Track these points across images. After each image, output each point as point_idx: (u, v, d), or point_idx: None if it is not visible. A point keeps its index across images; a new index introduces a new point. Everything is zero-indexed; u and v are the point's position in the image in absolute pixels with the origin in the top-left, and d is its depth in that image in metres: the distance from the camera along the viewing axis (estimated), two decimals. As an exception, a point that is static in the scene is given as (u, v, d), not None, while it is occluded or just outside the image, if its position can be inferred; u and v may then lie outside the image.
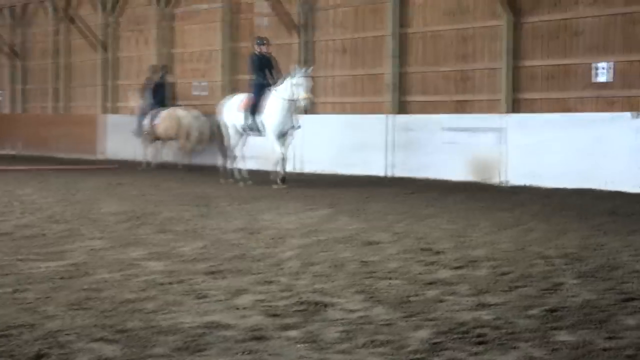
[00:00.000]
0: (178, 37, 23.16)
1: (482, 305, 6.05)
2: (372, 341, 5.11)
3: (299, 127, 15.88)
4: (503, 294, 6.44)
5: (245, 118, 16.02)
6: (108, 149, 24.66)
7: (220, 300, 6.22)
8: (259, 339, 5.19)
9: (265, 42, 16.22)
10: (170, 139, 21.01)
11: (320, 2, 19.34)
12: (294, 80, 15.10)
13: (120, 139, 24.14)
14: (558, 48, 15.27)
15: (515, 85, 15.93)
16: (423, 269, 7.47)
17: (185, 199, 13.45)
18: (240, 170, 16.87)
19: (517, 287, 6.71)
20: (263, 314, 5.81)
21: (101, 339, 5.13)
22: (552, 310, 5.86)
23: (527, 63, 15.77)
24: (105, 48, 25.02)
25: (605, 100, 14.70)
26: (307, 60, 19.41)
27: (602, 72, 14.68)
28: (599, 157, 14.12)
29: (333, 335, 5.27)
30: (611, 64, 14.59)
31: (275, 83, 15.75)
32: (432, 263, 7.75)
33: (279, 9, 19.42)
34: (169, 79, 22.14)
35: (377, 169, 17.50)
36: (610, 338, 5.18)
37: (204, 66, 22.47)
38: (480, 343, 5.07)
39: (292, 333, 5.32)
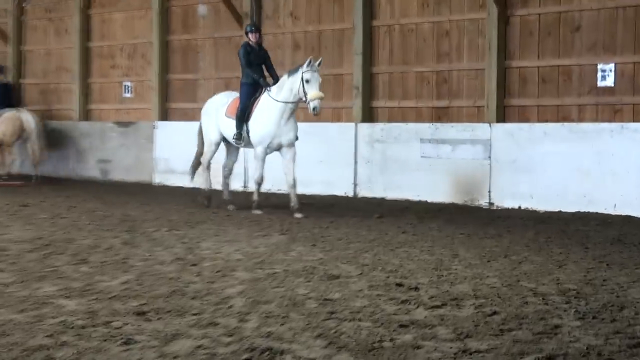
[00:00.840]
0: (96, 27, 23.04)
1: (465, 352, 6.11)
2: (335, 395, 5.13)
3: (296, 138, 15.03)
4: (490, 339, 6.49)
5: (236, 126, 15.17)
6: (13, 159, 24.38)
7: (151, 347, 6.19)
8: (199, 393, 5.18)
9: (254, 29, 15.33)
10: (9, 145, 21.43)
11: (271, -13, 19.46)
12: (302, 74, 14.17)
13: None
14: (554, 46, 15.47)
15: (504, 89, 16.09)
16: (395, 309, 7.50)
17: (105, 222, 13.34)
18: (210, 191, 16.20)
19: (507, 330, 6.77)
20: (203, 363, 5.80)
21: (5, 395, 5.08)
22: (548, 358, 5.94)
23: (517, 63, 15.96)
24: (6, 40, 24.79)
25: (609, 107, 14.91)
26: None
27: (606, 74, 14.91)
28: (603, 175, 14.30)
29: (288, 388, 5.28)
30: (616, 65, 14.80)
31: (272, 82, 15.07)
32: (406, 301, 7.79)
33: (220, -6, 19.48)
34: (9, 78, 23.09)
35: (340, 188, 17.55)
36: (617, 391, 5.26)
37: (128, 62, 22.39)
38: (464, 397, 5.13)
39: (239, 386, 5.32)
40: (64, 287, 8.35)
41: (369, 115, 17.76)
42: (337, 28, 18.31)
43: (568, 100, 15.34)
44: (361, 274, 9.17)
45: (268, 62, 15.31)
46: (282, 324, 6.91)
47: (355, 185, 17.45)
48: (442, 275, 9.10)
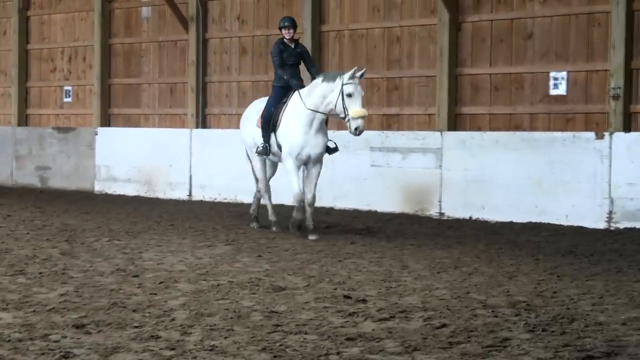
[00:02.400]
0: (35, 29, 22.84)
1: (413, 366, 6.15)
2: (280, 410, 5.15)
3: (335, 149, 13.74)
4: (439, 352, 6.55)
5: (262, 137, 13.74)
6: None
7: (90, 361, 6.17)
8: (139, 408, 5.17)
9: (288, 24, 13.73)
10: None
11: (217, -11, 19.44)
12: (343, 87, 12.75)
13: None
14: (506, 53, 15.62)
15: (455, 97, 16.21)
16: (342, 321, 7.53)
17: (44, 232, 13.23)
18: (271, 210, 14.56)
19: (455, 343, 6.83)
20: (144, 377, 5.78)
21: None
22: (497, 372, 6.01)
23: (469, 71, 16.09)
24: None
25: (561, 116, 15.07)
26: (201, 62, 19.41)
27: (558, 83, 15.07)
28: (555, 185, 14.44)
29: (231, 403, 5.29)
30: (569, 73, 14.98)
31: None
32: (354, 314, 7.81)
33: (166, -4, 19.41)
34: None
35: (288, 197, 17.51)
36: (566, 404, 5.34)
37: (69, 66, 22.21)
38: (411, 412, 5.17)
39: (181, 401, 5.32)
40: (-1, 299, 8.28)
41: (317, 122, 17.79)
42: (285, 33, 18.31)
43: (520, 108, 15.50)
44: (308, 285, 9.19)
45: (307, 62, 13.85)
46: (226, 337, 6.91)
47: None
48: (391, 287, 9.15)
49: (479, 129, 15.93)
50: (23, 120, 22.90)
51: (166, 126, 20.21)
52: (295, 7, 18.09)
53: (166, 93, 20.35)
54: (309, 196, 13.38)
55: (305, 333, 7.08)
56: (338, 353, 6.48)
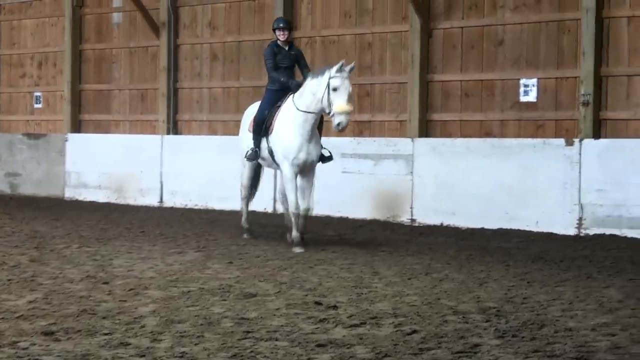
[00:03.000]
0: (4, 34, 22.72)
1: (384, 372, 6.17)
2: (250, 417, 5.15)
3: (330, 157, 13.31)
4: (409, 358, 6.56)
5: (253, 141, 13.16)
6: None
7: (59, 369, 6.14)
8: (108, 416, 5.15)
9: (283, 25, 13.15)
10: None
11: (188, -5, 19.41)
12: (329, 80, 12.13)
13: None
14: (477, 60, 15.69)
15: (426, 103, 16.25)
16: (313, 328, 7.53)
17: (13, 238, 13.16)
18: (247, 217, 14.18)
19: (426, 349, 6.85)
20: (113, 384, 5.76)
21: None
22: (467, 378, 6.03)
23: (440, 77, 16.13)
24: None
25: (532, 123, 15.15)
26: (172, 68, 19.38)
27: (529, 90, 15.15)
28: (525, 191, 14.51)
29: (201, 410, 5.28)
30: (539, 80, 15.06)
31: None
32: (325, 320, 7.82)
33: (136, 2, 19.29)
34: None
35: (260, 203, 17.50)
36: (535, 410, 5.37)
37: (39, 72, 22.11)
38: (381, 418, 5.18)
39: (150, 408, 5.30)
40: (-33, 306, 8.22)
41: (289, 128, 17.79)
42: (257, 39, 18.29)
43: (491, 115, 15.55)
44: (279, 292, 9.19)
45: (302, 64, 13.19)
46: (197, 344, 6.90)
47: (275, 201, 17.45)
48: (362, 294, 9.16)
49: (449, 135, 15.98)
50: (-8, 126, 22.81)
51: (137, 132, 20.15)
52: (267, 13, 18.08)
53: (137, 99, 20.30)
54: (304, 204, 12.65)
55: (276, 340, 7.08)
56: (309, 359, 6.49)
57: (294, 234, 12.43)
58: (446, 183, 15.39)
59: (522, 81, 15.23)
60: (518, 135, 15.17)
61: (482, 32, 15.64)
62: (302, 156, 12.51)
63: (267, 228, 15.08)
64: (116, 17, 20.61)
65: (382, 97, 16.86)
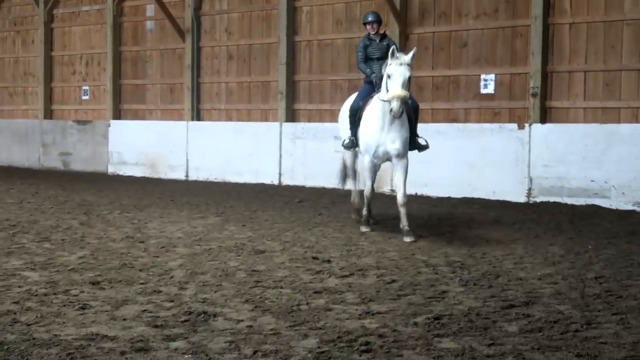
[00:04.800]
0: (58, 39, 22.64)
1: (368, 314, 6.19)
2: (259, 351, 5.17)
3: (426, 146, 11.14)
4: (389, 302, 6.59)
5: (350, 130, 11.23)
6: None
7: (103, 311, 6.16)
8: (143, 350, 5.17)
9: (371, 18, 11.12)
10: None
11: (207, 7, 19.27)
12: (386, 70, 10.11)
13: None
14: (445, 59, 15.66)
15: (404, 94, 16.18)
16: (311, 278, 7.57)
17: (65, 206, 13.16)
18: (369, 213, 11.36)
19: (403, 295, 6.88)
20: (147, 324, 5.78)
21: (-24, 353, 5.01)
22: (436, 318, 6.05)
23: (415, 73, 15.98)
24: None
25: (490, 111, 15.15)
26: (195, 66, 19.32)
27: (487, 83, 15.14)
28: (485, 167, 14.53)
29: (219, 345, 5.30)
30: (496, 75, 15.04)
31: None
32: (320, 272, 7.85)
33: (166, 12, 19.24)
34: None
35: (268, 177, 17.55)
36: (492, 344, 5.39)
37: (86, 69, 22.04)
38: (365, 351, 5.20)
39: (178, 344, 5.32)
40: (29, 261, 8.24)
41: (291, 116, 17.77)
42: (265, 42, 18.25)
43: (456, 104, 15.53)
44: (283, 249, 9.22)
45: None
46: (216, 292, 6.93)
47: (280, 175, 17.45)
48: (351, 250, 9.19)
49: (423, 121, 15.85)
50: (48, 114, 22.70)
51: (167, 119, 20.10)
52: (273, 21, 18.01)
53: (167, 92, 20.24)
54: (399, 195, 10.41)
55: (281, 287, 7.11)
56: (307, 304, 6.51)
57: (402, 225, 10.17)
58: (420, 160, 15.28)
59: (482, 76, 15.20)
60: (479, 121, 15.16)
61: (449, 36, 15.58)
62: (381, 150, 10.40)
63: (274, 197, 15.05)
64: (149, 24, 20.51)
65: (367, 90, 16.79)
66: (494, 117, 15.05)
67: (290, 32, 17.69)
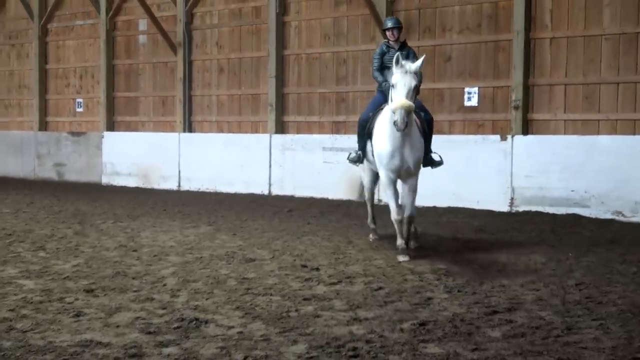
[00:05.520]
0: (52, 52, 22.61)
1: (356, 320, 6.21)
2: (249, 357, 5.18)
3: (440, 162, 10.21)
4: (376, 309, 6.61)
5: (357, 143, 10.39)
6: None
7: (97, 318, 6.16)
8: (136, 356, 5.17)
9: (393, 24, 10.19)
10: None
11: (199, 21, 19.30)
12: (391, 79, 9.05)
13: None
14: (430, 73, 15.69)
15: (390, 107, 16.20)
16: (300, 285, 7.57)
17: (59, 216, 13.14)
18: (374, 220, 10.94)
19: (389, 302, 6.90)
20: (140, 331, 5.79)
21: (-27, 359, 5.00)
22: (422, 324, 6.07)
23: (402, 86, 16.10)
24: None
25: (474, 123, 15.20)
26: (187, 79, 19.33)
27: (471, 96, 15.19)
28: (469, 177, 14.54)
29: (211, 351, 5.31)
30: (479, 88, 15.10)
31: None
32: (309, 279, 7.86)
33: (158, 26, 19.25)
34: None
35: (258, 187, 17.55)
36: (476, 350, 5.42)
37: (80, 82, 22.02)
38: (353, 357, 5.22)
39: (170, 350, 5.32)
40: (24, 269, 8.23)
41: (281, 127, 17.79)
42: (255, 56, 18.27)
43: (441, 116, 15.54)
44: (273, 257, 9.22)
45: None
46: (207, 299, 6.93)
47: (270, 185, 17.45)
48: (339, 258, 9.20)
49: (409, 132, 15.93)
50: (43, 126, 22.64)
51: (159, 131, 20.06)
52: (262, 35, 18.04)
53: (159, 104, 20.22)
54: (406, 212, 9.40)
55: (271, 295, 7.12)
56: (297, 310, 6.53)
57: (398, 242, 9.32)
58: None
59: (466, 89, 15.25)
60: (463, 132, 15.20)
61: (434, 50, 15.63)
62: (396, 162, 9.24)
63: (264, 207, 15.05)
64: (142, 38, 20.52)
65: (355, 102, 16.83)
66: (478, 129, 15.10)
67: (280, 46, 17.73)
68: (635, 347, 5.52)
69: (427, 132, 9.84)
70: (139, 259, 9.01)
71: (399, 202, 9.54)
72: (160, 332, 5.74)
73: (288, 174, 17.21)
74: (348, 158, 10.50)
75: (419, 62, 9.03)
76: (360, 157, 10.20)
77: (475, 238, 11.02)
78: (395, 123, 8.73)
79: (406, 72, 8.86)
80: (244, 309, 6.54)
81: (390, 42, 10.24)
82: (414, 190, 9.42)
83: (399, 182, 9.71)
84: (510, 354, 5.30)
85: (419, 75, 9.14)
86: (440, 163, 10.15)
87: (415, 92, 8.89)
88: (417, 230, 10.20)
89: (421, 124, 9.60)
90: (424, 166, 9.89)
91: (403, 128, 8.70)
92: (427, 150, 9.87)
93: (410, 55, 9.78)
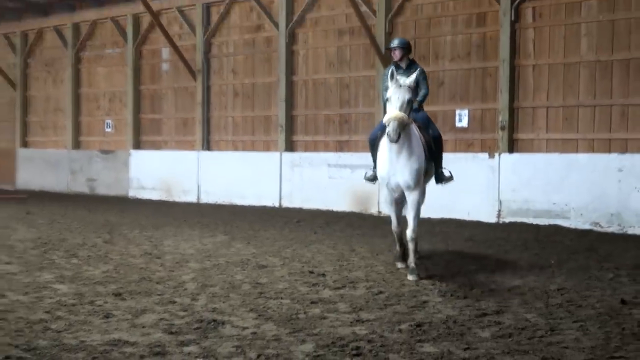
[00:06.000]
0: (84, 78, 22.69)
1: (358, 321, 6.19)
2: (262, 355, 5.16)
3: (450, 178, 9.47)
4: (377, 311, 6.59)
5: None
6: (19, 179, 23.89)
7: (125, 320, 6.14)
8: (160, 354, 5.16)
9: (398, 44, 9.25)
10: None
11: (216, 50, 19.35)
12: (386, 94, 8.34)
13: (30, 170, 23.48)
14: (425, 96, 15.70)
15: (389, 127, 16.18)
16: (308, 289, 7.55)
17: (90, 226, 13.14)
18: (403, 250, 9.11)
19: (389, 305, 6.88)
20: (164, 331, 5.77)
21: (11, 358, 4.99)
22: (418, 325, 6.05)
23: (399, 108, 16.09)
24: (14, 87, 24.27)
25: (464, 142, 15.19)
26: (205, 102, 19.37)
27: (462, 118, 15.19)
28: (460, 191, 14.46)
29: (227, 350, 5.29)
30: (469, 111, 15.10)
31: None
32: (316, 284, 7.84)
33: (179, 55, 19.30)
34: None
35: (269, 200, 17.55)
36: (467, 349, 5.39)
37: (109, 105, 22.08)
38: (356, 355, 5.20)
39: (190, 348, 5.31)
40: (59, 275, 8.23)
41: (290, 146, 17.80)
42: (266, 81, 18.31)
43: (435, 136, 15.53)
44: (283, 264, 9.20)
45: (424, 83, 9.18)
46: (224, 302, 6.92)
47: (280, 198, 17.45)
48: (343, 265, 9.18)
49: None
50: (76, 145, 22.70)
51: (180, 149, 20.10)
52: (273, 62, 18.08)
53: (180, 125, 20.26)
54: (407, 230, 8.54)
55: (281, 298, 7.10)
56: (305, 312, 6.51)
57: (409, 261, 8.50)
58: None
59: (457, 112, 15.24)
60: (454, 151, 15.16)
61: (428, 76, 15.57)
62: (394, 180, 8.46)
63: (275, 218, 15.02)
64: (165, 65, 20.58)
65: (357, 123, 16.85)
66: (468, 147, 15.08)
67: (289, 72, 17.77)
68: (613, 347, 5.49)
69: (435, 148, 9.11)
70: (162, 265, 9.00)
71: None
72: (181, 332, 5.73)
73: (296, 188, 17.21)
74: (365, 177, 9.45)
75: (412, 77, 8.30)
76: (375, 175, 9.13)
77: (466, 246, 10.98)
78: (388, 134, 7.97)
79: (400, 85, 8.14)
80: (257, 311, 6.52)
81: (397, 62, 9.33)
82: (414, 206, 8.47)
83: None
84: (498, 353, 5.27)
85: (425, 88, 8.89)
86: (450, 179, 9.43)
87: (409, 105, 8.13)
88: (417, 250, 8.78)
89: (427, 141, 8.83)
90: (436, 182, 9.34)
91: (396, 139, 7.92)
92: (437, 166, 9.23)
93: (418, 72, 8.75)
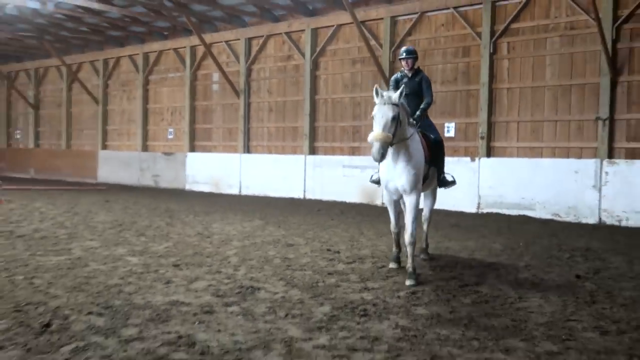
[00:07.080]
0: (152, 95, 22.82)
1: (366, 289, 6.18)
2: (289, 314, 5.17)
3: (452, 182, 7.92)
4: (380, 281, 6.57)
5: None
6: (100, 175, 24.09)
7: (181, 285, 6.18)
8: (209, 312, 5.18)
9: (407, 55, 7.67)
10: None
11: (255, 74, 19.39)
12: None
13: (109, 167, 23.67)
14: (420, 112, 15.63)
15: (391, 136, 16.12)
16: (326, 263, 7.55)
17: (155, 212, 13.22)
18: (398, 251, 7.66)
19: (390, 276, 6.85)
20: (212, 294, 5.80)
21: (92, 313, 5.04)
22: (413, 293, 6.03)
23: (399, 122, 16.02)
24: (97, 102, 24.47)
25: (451, 148, 15.10)
26: (246, 115, 19.42)
27: (450, 129, 15.12)
28: (448, 189, 14.44)
29: (262, 310, 5.30)
30: (456, 124, 15.03)
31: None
32: (332, 259, 7.84)
33: (227, 78, 19.37)
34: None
35: (296, 193, 17.57)
36: (452, 312, 5.36)
37: (171, 117, 22.19)
38: (363, 315, 5.19)
39: (233, 308, 5.33)
40: (130, 249, 8.28)
41: (313, 150, 17.79)
42: (294, 99, 18.32)
43: (428, 144, 15.46)
44: (306, 243, 9.20)
45: (423, 91, 7.70)
46: (260, 272, 6.92)
47: (304, 191, 17.46)
48: (354, 245, 9.16)
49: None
50: (144, 148, 22.83)
51: (226, 152, 20.16)
52: (300, 85, 18.08)
53: (226, 133, 20.32)
54: (405, 234, 6.95)
55: (305, 270, 7.10)
56: (323, 281, 6.50)
57: (407, 266, 6.80)
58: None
59: (446, 124, 15.18)
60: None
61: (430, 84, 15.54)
62: (392, 184, 7.08)
63: (300, 207, 15.02)
64: (215, 86, 20.65)
65: (366, 133, 16.63)
66: (454, 152, 15.00)
67: (312, 92, 17.76)
68: (569, 312, 5.44)
69: (437, 153, 7.67)
70: (211, 243, 9.04)
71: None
72: (226, 296, 5.75)
73: (317, 183, 17.20)
74: (370, 179, 8.05)
75: (397, 92, 6.65)
76: (378, 179, 7.71)
77: (452, 232, 10.93)
78: (372, 155, 6.40)
79: (384, 103, 6.54)
80: (285, 279, 6.53)
81: (406, 70, 7.76)
82: (411, 210, 6.92)
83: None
84: (477, 315, 5.24)
85: (428, 97, 7.61)
86: (453, 183, 7.91)
87: (394, 122, 6.49)
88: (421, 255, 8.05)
89: (428, 145, 7.44)
90: (439, 187, 7.94)
91: (379, 159, 6.41)
92: (440, 171, 7.77)
93: (422, 83, 7.67)
